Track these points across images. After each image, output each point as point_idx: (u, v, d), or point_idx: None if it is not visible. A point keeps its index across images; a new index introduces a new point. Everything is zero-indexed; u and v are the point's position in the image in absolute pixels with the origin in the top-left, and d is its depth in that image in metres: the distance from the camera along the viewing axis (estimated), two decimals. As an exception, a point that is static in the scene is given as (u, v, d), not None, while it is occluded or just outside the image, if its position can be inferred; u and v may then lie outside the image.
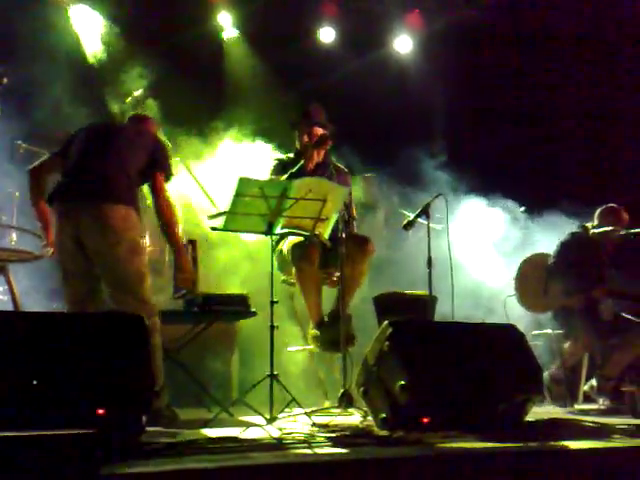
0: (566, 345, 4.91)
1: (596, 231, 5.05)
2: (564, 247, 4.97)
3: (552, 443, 2.76)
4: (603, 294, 4.86)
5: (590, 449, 2.70)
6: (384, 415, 3.04)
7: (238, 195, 3.52)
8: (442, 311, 4.45)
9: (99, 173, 3.51)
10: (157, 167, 3.66)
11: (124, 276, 3.44)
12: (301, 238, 4.02)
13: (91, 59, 6.28)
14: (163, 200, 3.61)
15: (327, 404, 4.13)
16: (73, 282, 3.53)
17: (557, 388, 4.83)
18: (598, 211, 5.14)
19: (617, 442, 2.87)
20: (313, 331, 4.24)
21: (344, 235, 3.95)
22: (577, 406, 4.77)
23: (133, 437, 2.55)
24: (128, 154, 3.61)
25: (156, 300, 4.90)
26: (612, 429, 3.22)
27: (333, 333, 4.08)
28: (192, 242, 3.92)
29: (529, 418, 3.32)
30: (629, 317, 4.83)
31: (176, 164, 4.83)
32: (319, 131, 4.42)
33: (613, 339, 4.83)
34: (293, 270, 4.18)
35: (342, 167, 4.66)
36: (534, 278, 5.15)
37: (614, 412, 4.43)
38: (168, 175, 3.72)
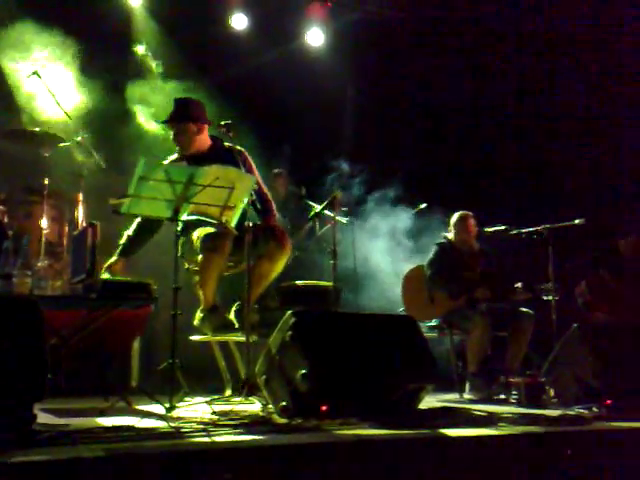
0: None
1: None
2: (436, 256, 5.36)
3: (443, 430, 2.88)
4: (485, 293, 5.15)
5: (478, 436, 2.85)
6: (284, 403, 3.08)
7: (141, 178, 3.43)
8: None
9: None
10: None
11: None
12: (212, 229, 3.98)
13: None
14: None
15: (228, 393, 4.12)
16: None
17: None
18: (452, 219, 5.51)
19: (503, 429, 3.03)
20: (201, 314, 4.21)
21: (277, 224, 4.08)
22: (466, 395, 4.98)
23: (24, 425, 2.46)
24: None
25: (52, 284, 4.71)
26: (499, 417, 3.40)
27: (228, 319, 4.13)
28: (92, 225, 3.75)
29: (422, 406, 3.47)
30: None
31: None
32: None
33: (502, 331, 5.11)
34: (199, 258, 4.11)
35: (239, 148, 4.34)
36: (417, 291, 5.42)
37: (502, 401, 4.68)
38: None
